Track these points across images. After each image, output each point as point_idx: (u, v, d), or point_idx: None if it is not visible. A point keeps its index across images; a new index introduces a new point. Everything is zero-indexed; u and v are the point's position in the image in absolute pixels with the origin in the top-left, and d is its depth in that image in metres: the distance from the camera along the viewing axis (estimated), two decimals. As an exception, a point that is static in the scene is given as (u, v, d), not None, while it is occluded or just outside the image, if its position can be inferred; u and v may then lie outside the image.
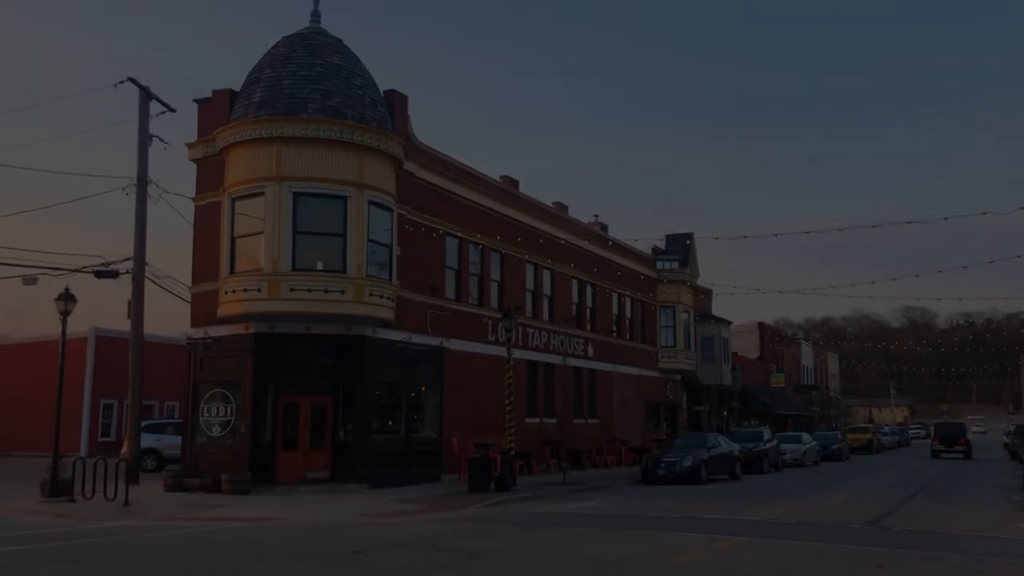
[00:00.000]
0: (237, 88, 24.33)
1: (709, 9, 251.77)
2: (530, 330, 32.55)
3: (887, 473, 33.99)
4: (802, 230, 77.12)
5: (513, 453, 24.79)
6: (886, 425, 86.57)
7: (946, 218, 24.45)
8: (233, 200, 23.15)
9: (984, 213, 23.81)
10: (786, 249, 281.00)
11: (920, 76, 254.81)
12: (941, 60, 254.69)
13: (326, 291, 22.11)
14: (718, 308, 56.32)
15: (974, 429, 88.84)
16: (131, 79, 25.28)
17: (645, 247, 44.20)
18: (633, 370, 41.26)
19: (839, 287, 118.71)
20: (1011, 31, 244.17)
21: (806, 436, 44.33)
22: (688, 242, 45.93)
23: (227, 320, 22.99)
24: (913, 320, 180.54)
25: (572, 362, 35.19)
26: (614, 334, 40.04)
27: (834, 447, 45.58)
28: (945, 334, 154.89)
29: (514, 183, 33.77)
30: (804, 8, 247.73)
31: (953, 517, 18.44)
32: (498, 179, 32.13)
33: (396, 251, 24.48)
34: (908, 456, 53.12)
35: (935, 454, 48.99)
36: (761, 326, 68.85)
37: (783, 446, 39.16)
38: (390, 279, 23.94)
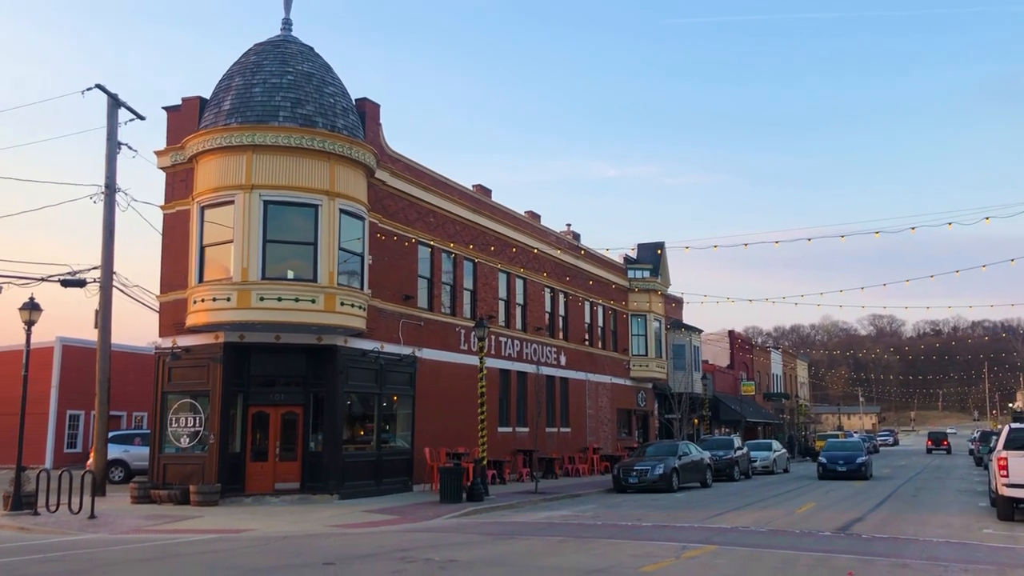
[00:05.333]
0: (207, 96, 24.15)
1: (685, 14, 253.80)
2: (503, 339, 32.53)
3: (856, 481, 34.28)
4: (771, 240, 77.45)
5: (485, 463, 24.76)
6: (855, 432, 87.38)
7: (913, 228, 24.80)
8: (202, 208, 22.95)
9: (950, 224, 24.13)
10: (756, 259, 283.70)
11: (896, 85, 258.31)
12: (916, 69, 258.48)
13: (296, 300, 21.97)
14: (689, 317, 56.74)
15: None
16: (99, 86, 25.00)
17: (617, 256, 44.42)
18: (605, 378, 41.38)
19: (808, 296, 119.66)
20: (993, 41, 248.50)
21: (776, 444, 44.66)
22: (659, 251, 46.16)
23: (196, 329, 22.76)
24: (881, 328, 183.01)
25: (545, 371, 35.22)
26: (586, 343, 40.13)
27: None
28: (912, 342, 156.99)
29: (487, 192, 33.79)
30: (783, 20, 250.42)
31: (920, 524, 18.63)
32: (471, 188, 32.14)
33: (368, 260, 24.38)
34: (878, 463, 53.55)
35: (929, 451, 73.91)
36: (731, 334, 69.32)
37: (753, 454, 39.45)
38: (361, 288, 23.83)
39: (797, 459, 55.61)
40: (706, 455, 32.23)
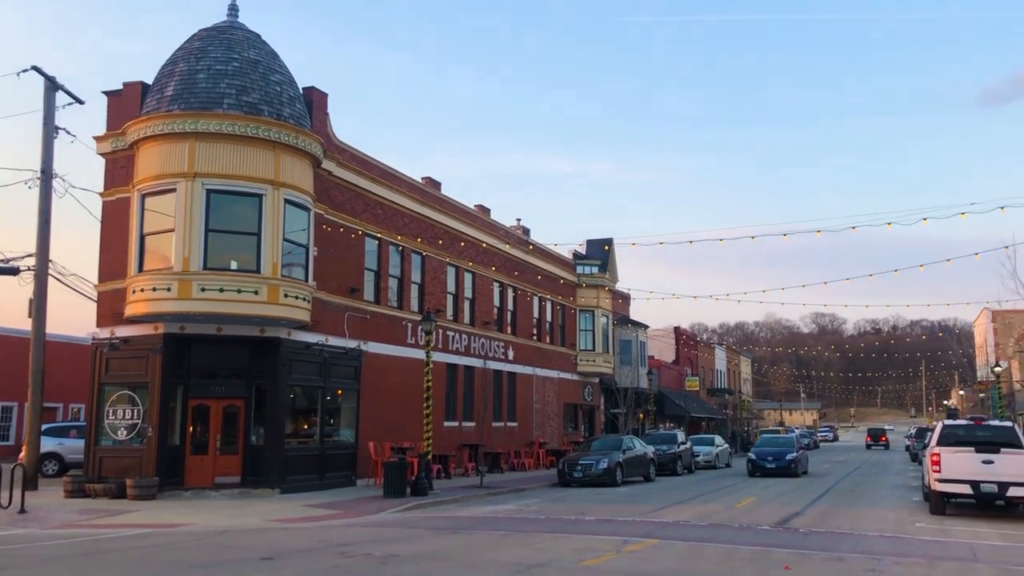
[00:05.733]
0: (149, 81, 23.60)
1: (642, 12, 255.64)
2: (450, 333, 32.43)
3: (788, 477, 34.84)
4: (716, 238, 78.61)
5: (430, 457, 24.66)
6: (796, 428, 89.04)
7: (854, 228, 25.32)
8: (143, 196, 22.42)
9: (889, 224, 24.66)
10: (702, 256, 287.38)
11: (847, 87, 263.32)
12: (864, 73, 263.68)
13: (239, 291, 21.60)
14: (636, 313, 57.23)
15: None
16: (35, 68, 24.25)
17: (566, 252, 44.59)
18: (553, 373, 41.52)
19: (751, 293, 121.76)
20: (941, 51, 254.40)
21: (719, 439, 45.26)
22: (607, 247, 46.50)
23: (135, 320, 22.25)
24: (823, 326, 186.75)
25: (492, 365, 35.20)
26: (534, 337, 40.21)
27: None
28: (853, 340, 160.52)
29: (436, 185, 33.63)
30: (732, 22, 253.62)
31: (856, 518, 19.03)
32: (420, 180, 31.94)
33: (313, 251, 24.08)
34: (817, 459, 54.64)
35: (868, 446, 75.95)
36: (677, 331, 70.08)
37: (696, 448, 39.90)
38: (306, 280, 23.53)
39: (739, 454, 56.44)
40: (650, 450, 32.53)
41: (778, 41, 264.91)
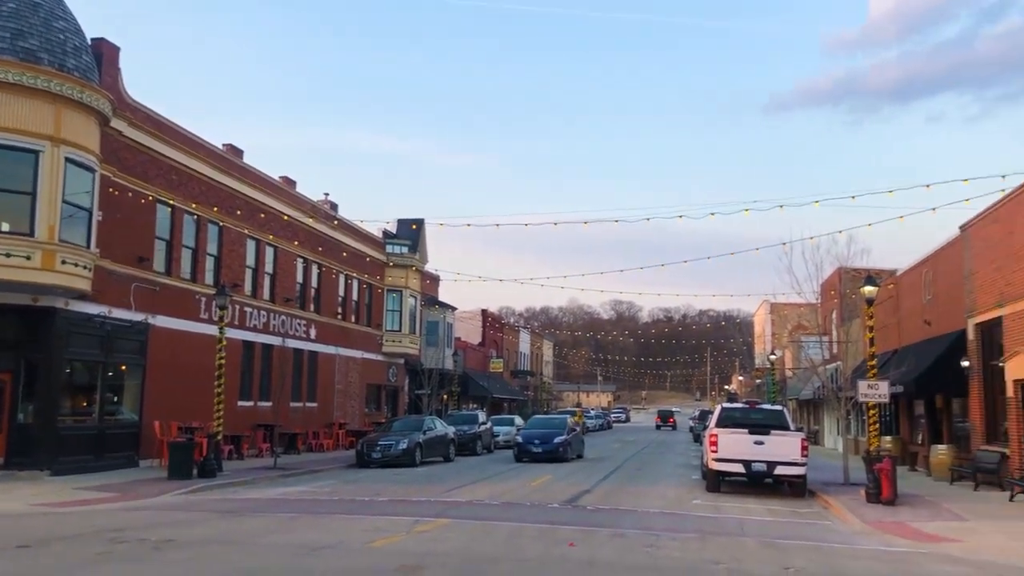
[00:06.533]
0: (-95, 15, 20.93)
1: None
2: (248, 309, 31.16)
3: (589, 454, 36.25)
4: (522, 223, 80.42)
5: (221, 437, 23.61)
6: (592, 409, 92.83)
7: (648, 219, 26.68)
8: None
9: (681, 217, 26.05)
10: (510, 241, 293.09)
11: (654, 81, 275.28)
12: (667, 74, 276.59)
13: (8, 255, 19.66)
14: (444, 294, 57.46)
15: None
16: None
17: (375, 230, 43.96)
18: (357, 353, 40.91)
19: (553, 278, 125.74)
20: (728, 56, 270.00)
21: (519, 419, 46.33)
22: (417, 227, 46.28)
23: None
24: (621, 313, 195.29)
25: (292, 343, 34.16)
26: (339, 316, 39.42)
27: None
28: (647, 327, 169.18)
29: (238, 152, 32.08)
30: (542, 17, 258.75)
31: (640, 496, 19.99)
32: (220, 147, 30.39)
33: (97, 216, 22.32)
34: (610, 438, 57.26)
35: (657, 427, 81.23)
36: (484, 313, 71.07)
37: (497, 429, 40.63)
38: (88, 247, 21.77)
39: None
40: (451, 430, 32.77)
41: (606, 39, 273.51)
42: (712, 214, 24.32)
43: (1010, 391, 20.57)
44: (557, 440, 31.42)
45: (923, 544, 13.31)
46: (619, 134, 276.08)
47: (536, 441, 31.41)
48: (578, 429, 35.66)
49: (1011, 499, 18.85)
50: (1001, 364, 21.11)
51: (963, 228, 24.43)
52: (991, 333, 22.50)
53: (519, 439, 32.24)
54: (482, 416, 39.59)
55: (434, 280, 54.45)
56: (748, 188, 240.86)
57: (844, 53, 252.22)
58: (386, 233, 45.36)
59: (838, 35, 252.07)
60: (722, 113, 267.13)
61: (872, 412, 20.83)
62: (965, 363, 23.86)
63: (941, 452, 24.88)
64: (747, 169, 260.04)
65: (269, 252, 33.04)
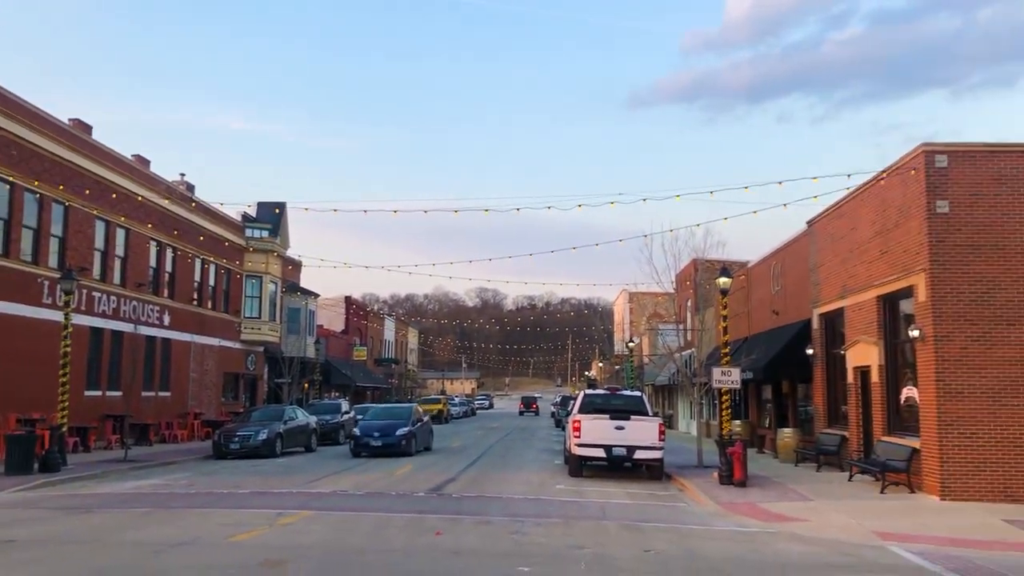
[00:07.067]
0: None
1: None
2: (97, 294, 29.51)
3: (453, 441, 36.36)
4: (391, 209, 79.62)
5: (66, 429, 22.29)
6: (456, 396, 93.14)
7: (518, 209, 26.86)
8: None
9: (549, 208, 26.39)
10: (377, 227, 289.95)
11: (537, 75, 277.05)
12: (536, 65, 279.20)
13: None
14: (307, 280, 56.17)
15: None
16: None
17: (235, 213, 42.50)
18: (214, 341, 39.47)
19: (421, 266, 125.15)
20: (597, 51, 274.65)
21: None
22: (279, 211, 44.99)
23: None
24: (486, 300, 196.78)
25: (145, 331, 32.61)
26: (195, 302, 37.89)
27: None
28: (512, 315, 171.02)
29: (87, 128, 30.27)
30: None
31: (505, 482, 20.18)
32: (67, 122, 28.57)
33: (-76, 192, 20.57)
34: (473, 425, 57.63)
35: (521, 413, 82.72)
36: (348, 300, 69.96)
37: (360, 418, 40.08)
38: (-86, 225, 20.04)
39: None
40: (313, 420, 32.13)
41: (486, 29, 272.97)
42: (579, 205, 24.92)
43: (850, 377, 21.98)
44: (400, 432, 27.96)
45: (772, 524, 14.04)
46: (489, 125, 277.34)
47: (375, 433, 27.86)
48: (426, 419, 31.66)
49: (850, 479, 20.16)
50: (842, 352, 22.52)
51: (810, 223, 25.85)
52: (834, 323, 23.94)
53: (356, 431, 28.60)
54: (345, 405, 39.00)
55: (296, 266, 53.15)
56: (615, 181, 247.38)
57: (700, 53, 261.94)
58: (246, 217, 43.88)
59: (696, 35, 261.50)
60: (589, 108, 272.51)
61: (725, 397, 21.78)
62: (810, 351, 25.28)
63: (787, 435, 26.29)
64: (613, 163, 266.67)
65: (120, 234, 31.38)
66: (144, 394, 32.19)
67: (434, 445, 32.27)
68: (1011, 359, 16.68)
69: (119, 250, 31.41)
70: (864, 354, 20.83)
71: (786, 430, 26.76)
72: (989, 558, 11.29)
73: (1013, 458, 16.44)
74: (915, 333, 17.46)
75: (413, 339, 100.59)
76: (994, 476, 16.44)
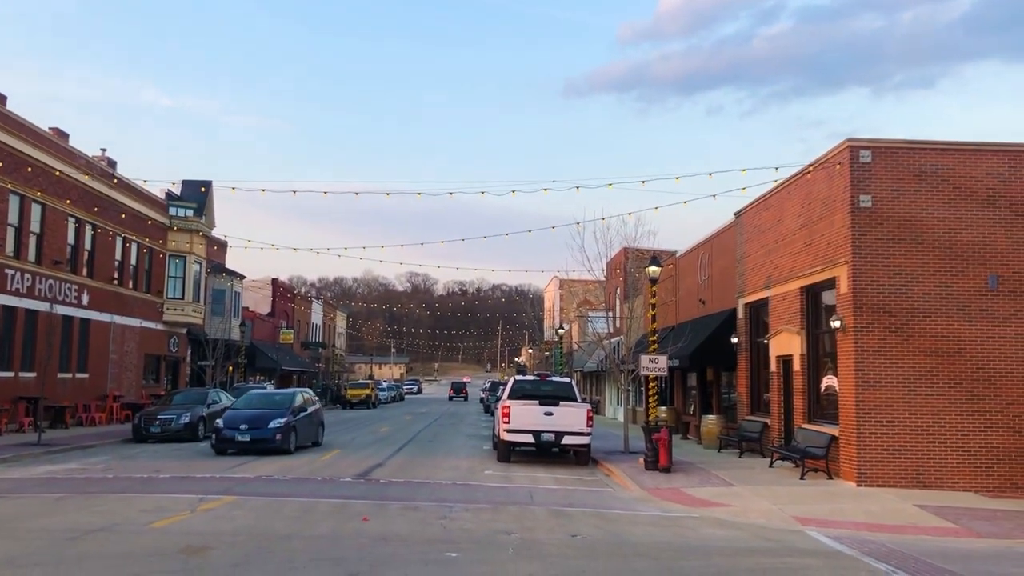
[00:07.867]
0: None
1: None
2: (10, 271, 28.37)
3: (381, 427, 36.10)
4: (321, 190, 78.34)
5: (-25, 411, 21.40)
6: (384, 381, 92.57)
7: (451, 193, 26.65)
8: None
9: (483, 193, 26.32)
10: (306, 209, 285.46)
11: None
12: (476, 50, 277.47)
13: None
14: (233, 262, 55.04)
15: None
16: None
17: (159, 191, 41.26)
18: (135, 322, 38.37)
19: (351, 249, 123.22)
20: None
21: (308, 392, 45.15)
22: (205, 190, 43.86)
23: None
24: (416, 285, 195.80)
25: (62, 310, 31.48)
26: (116, 282, 36.73)
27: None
28: (442, 300, 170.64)
29: (1, 99, 28.99)
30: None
31: (433, 467, 20.12)
32: (-22, 91, 27.31)
33: None
34: (401, 410, 57.38)
35: (450, 398, 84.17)
36: (275, 282, 68.73)
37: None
38: None
39: (330, 406, 57.23)
40: (237, 403, 31.39)
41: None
42: (513, 191, 24.95)
43: (773, 366, 22.50)
44: (274, 425, 22.79)
45: (696, 509, 14.30)
46: (425, 109, 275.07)
47: (243, 426, 22.65)
48: (314, 408, 26.47)
49: (771, 465, 20.66)
50: (766, 341, 23.03)
51: (737, 214, 26.32)
52: (758, 313, 24.46)
53: (219, 423, 23.27)
54: (270, 389, 38.36)
55: (222, 246, 51.96)
56: (549, 169, 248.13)
57: (636, 43, 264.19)
58: (170, 195, 42.69)
59: (629, 26, 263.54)
60: (525, 96, 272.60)
61: (652, 384, 22.09)
62: (735, 340, 25.80)
63: (711, 422, 26.82)
64: (548, 151, 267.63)
65: (36, 209, 30.19)
66: (60, 375, 31.14)
67: (357, 432, 31.94)
68: (926, 350, 17.29)
69: (35, 226, 30.22)
70: (787, 343, 21.34)
71: (710, 417, 27.28)
72: (901, 542, 11.70)
73: (926, 446, 17.06)
74: (836, 324, 17.95)
75: (341, 323, 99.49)
76: (908, 463, 17.04)
